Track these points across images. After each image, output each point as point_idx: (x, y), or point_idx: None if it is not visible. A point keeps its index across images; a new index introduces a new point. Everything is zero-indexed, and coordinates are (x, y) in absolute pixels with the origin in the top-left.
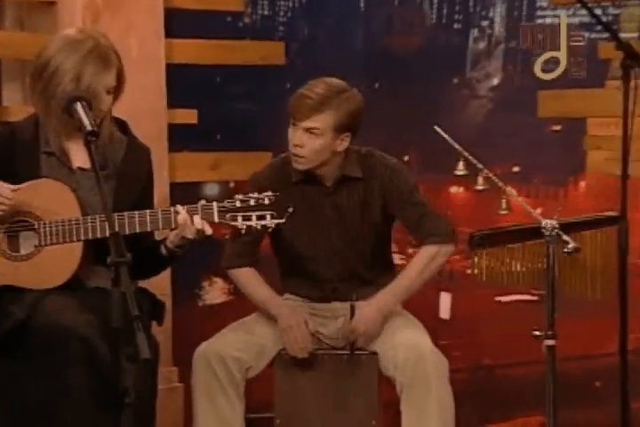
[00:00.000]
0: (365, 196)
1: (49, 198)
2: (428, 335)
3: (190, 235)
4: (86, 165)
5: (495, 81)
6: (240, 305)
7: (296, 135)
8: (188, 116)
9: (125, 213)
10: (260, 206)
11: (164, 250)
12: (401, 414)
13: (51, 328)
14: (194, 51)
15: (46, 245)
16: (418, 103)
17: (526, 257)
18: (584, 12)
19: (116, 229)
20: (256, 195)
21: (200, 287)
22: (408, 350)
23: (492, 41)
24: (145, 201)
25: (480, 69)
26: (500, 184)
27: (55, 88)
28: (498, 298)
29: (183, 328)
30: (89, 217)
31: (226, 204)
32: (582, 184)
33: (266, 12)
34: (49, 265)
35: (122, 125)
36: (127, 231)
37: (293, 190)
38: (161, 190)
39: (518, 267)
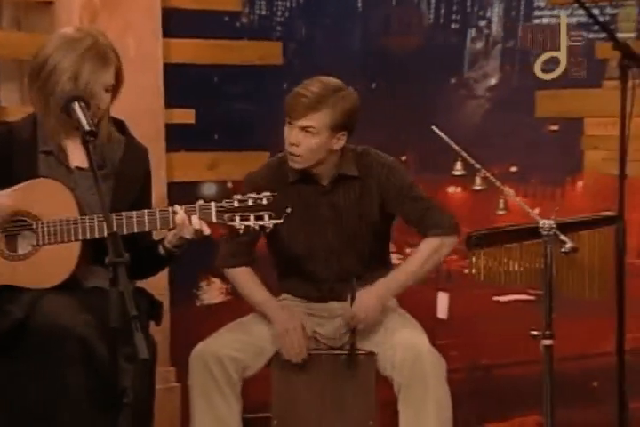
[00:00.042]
0: (362, 194)
1: (47, 198)
2: (425, 335)
3: (188, 235)
4: (84, 164)
5: (493, 81)
6: (238, 305)
7: (292, 134)
8: (186, 115)
9: (123, 213)
10: (258, 207)
11: (161, 250)
12: (398, 414)
13: (48, 328)
14: (191, 50)
15: (44, 244)
16: (415, 103)
17: (524, 257)
18: (581, 11)
19: (114, 229)
20: (254, 195)
21: (198, 287)
22: (406, 349)
23: (489, 41)
24: (143, 201)
25: (477, 69)
26: (498, 184)
27: (53, 87)
28: (495, 298)
29: (181, 328)
30: (87, 217)
31: (224, 204)
32: (580, 184)
33: (263, 12)
34: (47, 265)
35: (120, 125)
36: (125, 231)
37: (290, 190)
38: (158, 190)
39: (516, 267)
